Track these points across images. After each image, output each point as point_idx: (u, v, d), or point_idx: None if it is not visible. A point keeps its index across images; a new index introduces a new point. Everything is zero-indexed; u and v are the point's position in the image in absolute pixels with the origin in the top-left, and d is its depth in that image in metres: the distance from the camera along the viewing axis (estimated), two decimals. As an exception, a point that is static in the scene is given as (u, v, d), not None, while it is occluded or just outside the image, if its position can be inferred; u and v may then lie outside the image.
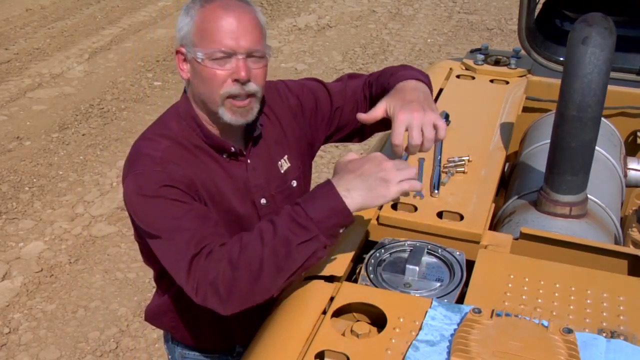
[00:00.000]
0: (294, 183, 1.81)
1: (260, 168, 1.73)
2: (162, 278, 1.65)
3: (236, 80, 1.54)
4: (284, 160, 1.79)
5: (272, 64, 6.51)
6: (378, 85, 1.82)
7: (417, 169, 1.91)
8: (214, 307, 1.43)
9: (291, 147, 1.81)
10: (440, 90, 2.49)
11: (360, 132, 1.94)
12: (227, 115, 1.58)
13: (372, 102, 1.84)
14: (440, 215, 1.75)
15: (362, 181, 1.37)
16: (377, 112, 1.61)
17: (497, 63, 2.70)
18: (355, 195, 1.37)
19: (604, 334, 1.35)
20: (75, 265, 3.98)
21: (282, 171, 1.78)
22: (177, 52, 1.62)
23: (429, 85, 1.76)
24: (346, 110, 1.88)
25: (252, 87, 1.57)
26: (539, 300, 1.46)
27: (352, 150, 4.95)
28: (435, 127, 1.54)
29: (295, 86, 1.87)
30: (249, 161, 1.70)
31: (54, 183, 4.75)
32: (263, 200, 1.73)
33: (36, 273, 3.90)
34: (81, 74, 6.42)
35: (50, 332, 3.51)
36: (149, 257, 1.66)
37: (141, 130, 1.70)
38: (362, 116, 1.64)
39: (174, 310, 1.82)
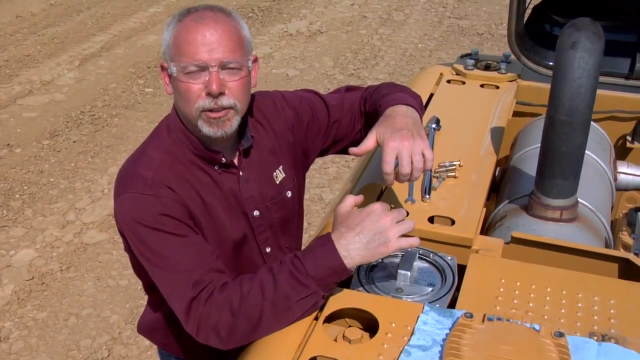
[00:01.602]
0: (289, 194, 1.81)
1: (254, 179, 1.72)
2: (153, 290, 1.65)
3: (209, 94, 1.53)
4: (279, 170, 1.79)
5: (263, 69, 6.52)
6: (371, 103, 1.82)
7: None
8: (215, 346, 1.48)
9: (286, 157, 1.81)
10: (431, 95, 2.49)
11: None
12: (205, 128, 1.56)
13: (365, 118, 1.86)
14: (431, 220, 1.76)
15: (362, 239, 1.42)
16: (369, 143, 1.62)
17: (487, 68, 2.71)
18: (354, 255, 1.42)
19: (595, 338, 1.36)
20: (66, 273, 3.95)
21: (278, 182, 1.78)
22: (161, 67, 1.62)
23: (419, 108, 1.77)
24: (343, 123, 1.88)
25: (226, 100, 1.54)
26: (531, 304, 1.46)
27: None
28: (423, 156, 1.56)
29: (292, 97, 1.86)
30: (241, 173, 1.69)
31: (44, 190, 4.73)
32: (256, 212, 1.73)
33: (27, 281, 3.88)
34: (72, 81, 6.40)
35: (41, 340, 3.49)
36: (139, 268, 1.66)
37: (132, 137, 1.70)
38: (354, 150, 1.65)
39: (167, 327, 1.82)
